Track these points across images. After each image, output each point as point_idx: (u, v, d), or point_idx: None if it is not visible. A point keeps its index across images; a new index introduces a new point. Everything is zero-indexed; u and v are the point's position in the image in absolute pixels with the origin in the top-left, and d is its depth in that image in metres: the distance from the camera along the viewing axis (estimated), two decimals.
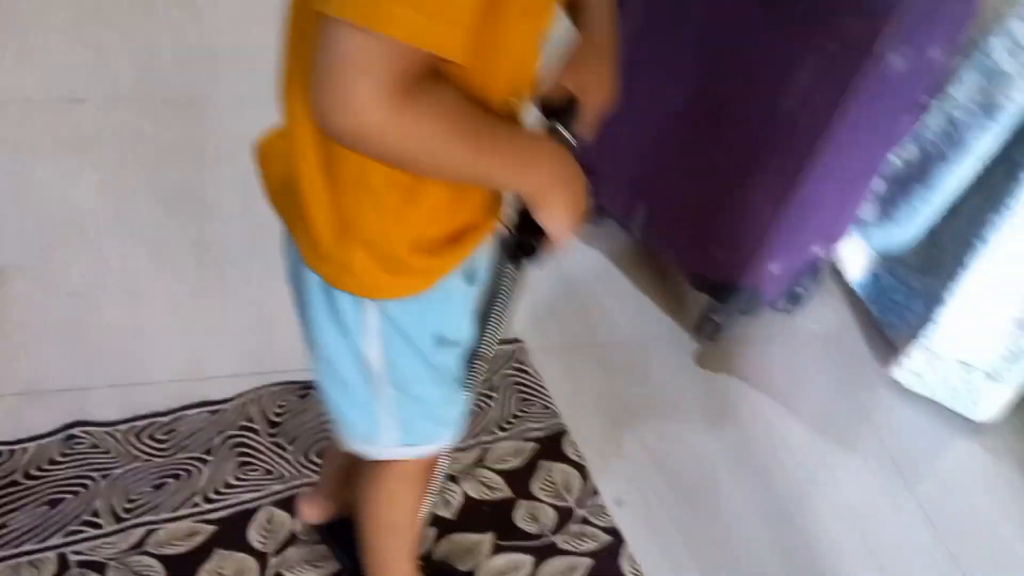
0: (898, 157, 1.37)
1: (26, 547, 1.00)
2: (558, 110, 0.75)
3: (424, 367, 0.74)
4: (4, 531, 1.00)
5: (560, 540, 1.12)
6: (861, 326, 1.51)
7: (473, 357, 0.79)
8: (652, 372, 1.36)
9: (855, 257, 1.50)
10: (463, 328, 0.76)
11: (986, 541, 1.27)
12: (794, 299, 1.46)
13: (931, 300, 1.33)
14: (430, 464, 0.87)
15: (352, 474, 1.00)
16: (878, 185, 1.39)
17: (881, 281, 1.47)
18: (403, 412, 0.77)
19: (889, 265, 1.46)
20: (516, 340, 1.34)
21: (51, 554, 1.00)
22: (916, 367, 1.36)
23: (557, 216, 0.67)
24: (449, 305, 0.73)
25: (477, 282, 0.76)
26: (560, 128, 0.75)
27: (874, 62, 1.09)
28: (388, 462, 0.84)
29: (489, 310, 0.77)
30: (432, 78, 0.54)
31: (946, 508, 1.29)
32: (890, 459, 1.33)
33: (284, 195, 0.69)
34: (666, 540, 1.15)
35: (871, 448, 1.34)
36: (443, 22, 0.50)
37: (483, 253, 0.75)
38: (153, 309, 1.27)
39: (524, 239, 0.70)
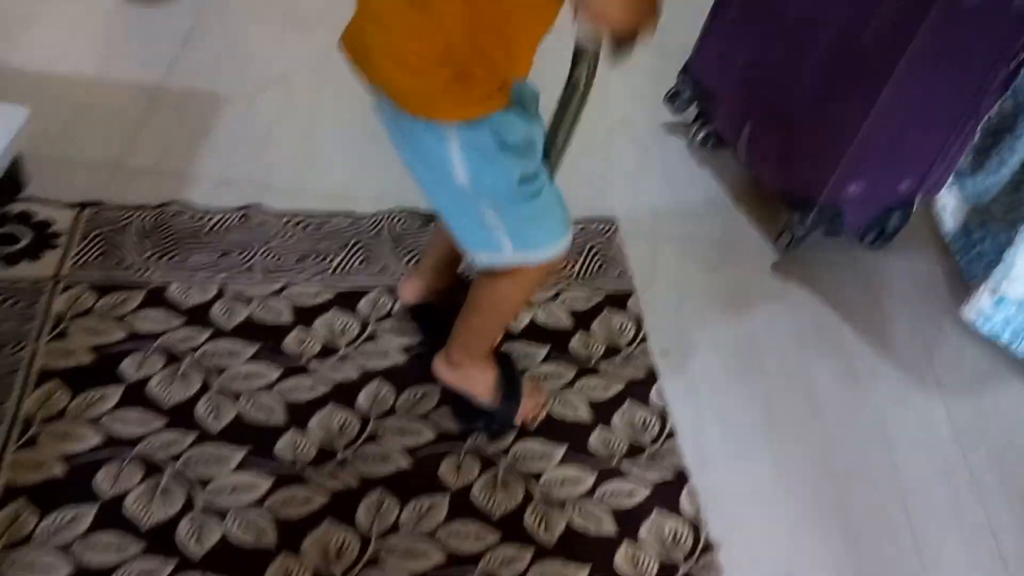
0: (998, 109, 1.45)
1: (198, 275, 1.33)
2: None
3: (507, 178, 0.94)
4: (186, 263, 1.34)
5: (602, 365, 1.33)
6: (944, 272, 1.58)
7: (547, 156, 0.99)
8: (727, 268, 1.52)
9: (949, 206, 1.59)
10: (533, 136, 0.96)
11: (1019, 480, 1.33)
12: (882, 235, 1.56)
13: (1003, 242, 1.41)
14: (546, 273, 1.07)
15: (445, 267, 1.27)
16: (975, 136, 1.47)
17: (971, 232, 1.54)
18: (507, 222, 0.97)
19: (980, 216, 1.53)
20: (610, 219, 1.55)
21: (214, 284, 1.33)
22: (983, 307, 1.44)
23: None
24: (514, 117, 0.92)
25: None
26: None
27: None
28: (512, 269, 1.03)
29: (559, 114, 0.97)
30: None
31: (985, 441, 1.35)
32: (936, 386, 1.41)
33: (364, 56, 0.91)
34: (697, 394, 1.32)
35: (921, 374, 1.43)
36: None
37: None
38: (326, 141, 1.59)
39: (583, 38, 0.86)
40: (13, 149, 1.35)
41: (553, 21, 0.88)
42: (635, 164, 1.69)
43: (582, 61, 0.93)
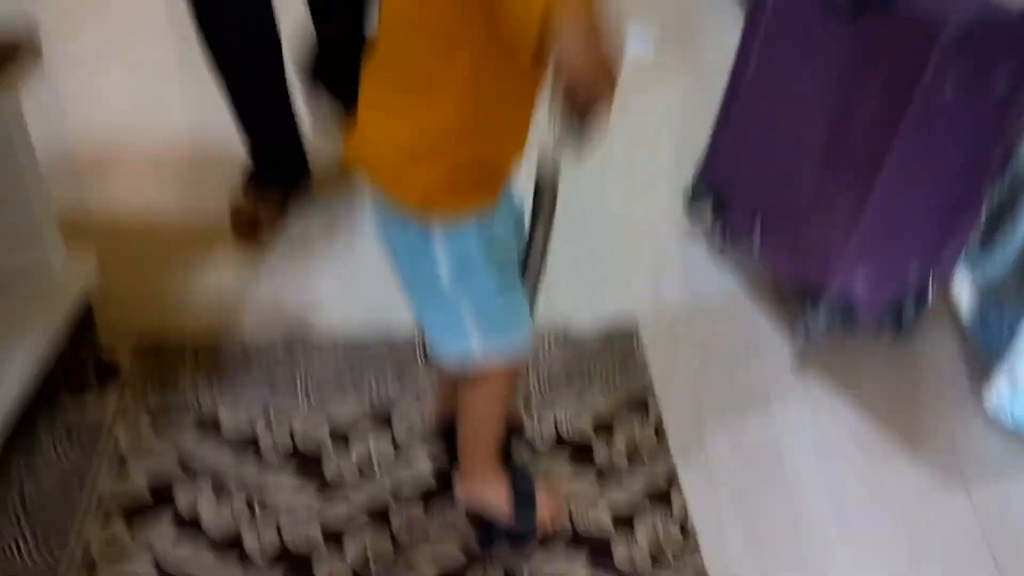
0: (999, 187, 1.48)
1: (245, 401, 1.44)
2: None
3: (485, 274, 1.00)
4: (234, 390, 1.46)
5: (624, 473, 1.38)
6: (966, 359, 1.60)
7: (524, 265, 1.06)
8: (747, 367, 1.57)
9: (965, 290, 1.61)
10: (510, 237, 1.04)
11: None
12: (899, 323, 1.59)
13: (1017, 323, 1.43)
14: (511, 378, 1.16)
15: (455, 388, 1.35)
16: (980, 218, 1.51)
17: (987, 315, 1.56)
18: (478, 316, 1.04)
19: (994, 298, 1.55)
20: (631, 321, 1.62)
21: (260, 409, 1.44)
22: (1002, 395, 1.46)
23: (569, 43, 0.75)
24: (496, 220, 0.99)
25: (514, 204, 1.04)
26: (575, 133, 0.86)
27: (925, 89, 1.27)
28: (480, 376, 1.10)
29: (533, 220, 1.02)
30: None
31: (1012, 535, 1.36)
32: (961, 479, 1.42)
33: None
34: (719, 497, 1.36)
35: (946, 467, 1.44)
36: None
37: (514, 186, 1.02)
38: (367, 271, 1.71)
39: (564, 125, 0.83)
40: (83, 292, 1.50)
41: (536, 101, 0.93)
42: (655, 266, 1.77)
43: (548, 166, 0.97)
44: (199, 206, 1.85)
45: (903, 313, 1.58)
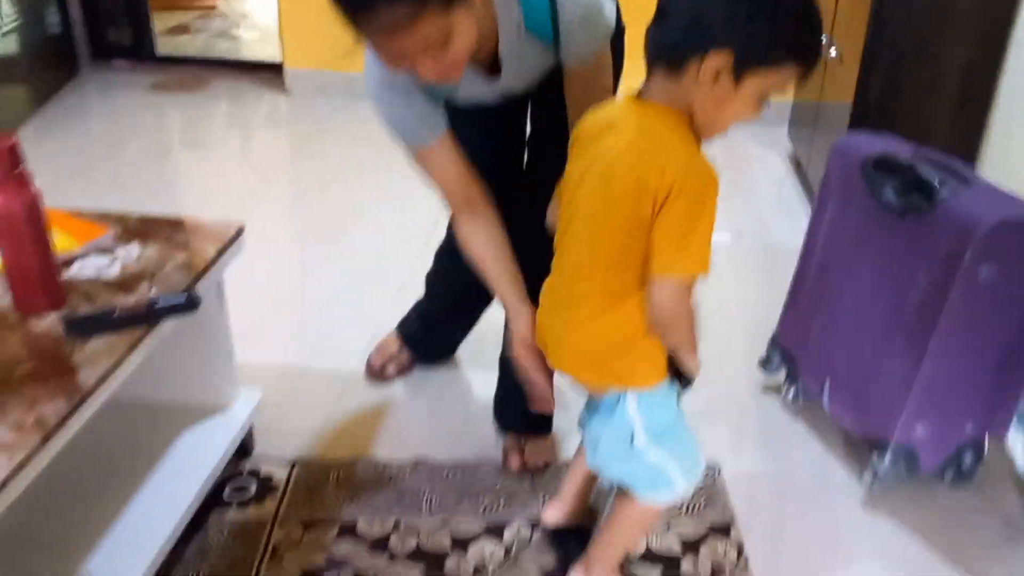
0: None
1: (380, 513, 1.70)
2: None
3: (678, 421, 1.34)
4: (370, 503, 1.72)
5: None
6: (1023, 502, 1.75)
7: None
8: (820, 505, 1.75)
9: (1019, 444, 1.78)
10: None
11: None
12: (960, 474, 1.76)
13: None
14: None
15: (581, 495, 1.58)
16: None
17: None
18: (681, 461, 1.34)
19: None
20: (714, 465, 1.84)
21: (391, 520, 1.68)
22: None
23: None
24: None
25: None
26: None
27: (963, 275, 1.53)
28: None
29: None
30: None
31: None
32: None
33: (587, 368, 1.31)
34: None
35: None
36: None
37: None
38: (481, 411, 1.99)
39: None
40: (249, 421, 1.81)
41: None
42: (736, 420, 2.00)
43: None
44: (343, 359, 2.18)
45: (962, 462, 1.76)
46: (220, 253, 1.59)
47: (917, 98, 2.51)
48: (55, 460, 1.59)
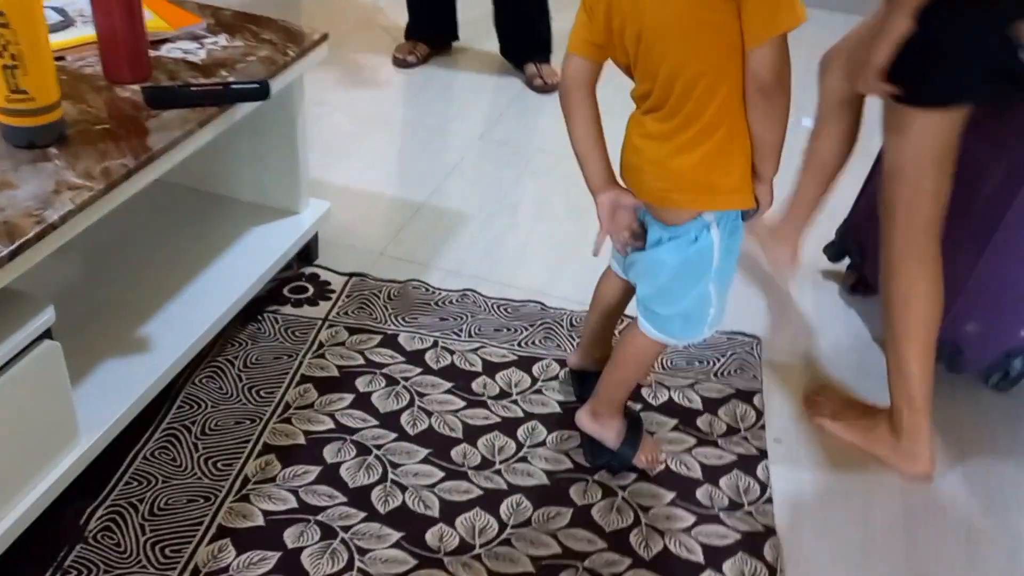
0: None
1: (422, 330, 1.78)
2: None
3: (733, 263, 1.34)
4: (414, 321, 1.80)
5: (720, 440, 1.59)
6: None
7: None
8: (856, 392, 1.75)
9: None
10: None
11: None
12: (1007, 378, 1.71)
13: None
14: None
15: (601, 340, 1.62)
16: None
17: None
18: (719, 301, 1.35)
19: None
20: (755, 336, 1.84)
21: (431, 338, 1.77)
22: None
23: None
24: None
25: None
26: None
27: None
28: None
29: None
30: None
31: None
32: None
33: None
34: (800, 481, 1.54)
35: None
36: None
37: None
38: (534, 253, 2.04)
39: None
40: (314, 229, 1.91)
41: None
42: (788, 298, 1.98)
43: None
44: (410, 188, 2.25)
45: (1010, 367, 1.71)
46: (301, 54, 1.64)
47: None
48: (128, 234, 1.73)
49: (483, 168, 2.40)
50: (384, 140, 2.50)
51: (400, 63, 2.81)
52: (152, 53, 1.53)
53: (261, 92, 1.47)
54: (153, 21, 1.59)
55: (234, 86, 1.46)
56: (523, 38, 2.75)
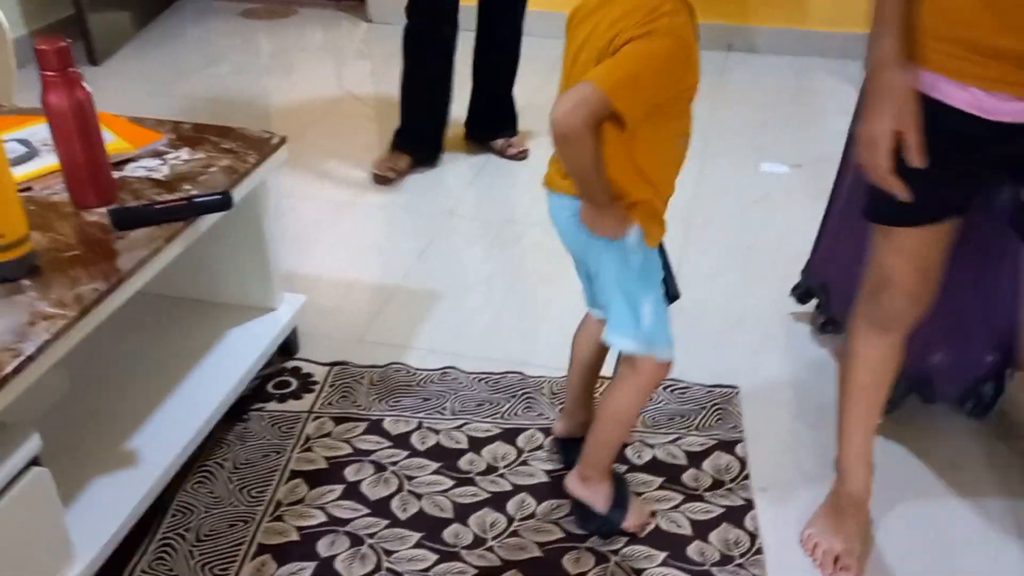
0: None
1: (405, 413, 1.81)
2: None
3: (656, 281, 1.37)
4: (398, 405, 1.83)
5: (706, 494, 1.62)
6: None
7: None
8: (830, 427, 1.77)
9: None
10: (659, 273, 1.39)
11: None
12: (979, 405, 1.75)
13: None
14: (653, 384, 1.47)
15: (582, 405, 1.65)
16: None
17: None
18: (655, 306, 1.37)
19: None
20: (732, 385, 1.88)
21: (415, 420, 1.79)
22: None
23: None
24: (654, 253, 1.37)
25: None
26: None
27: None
28: (635, 369, 1.42)
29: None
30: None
31: None
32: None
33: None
34: (789, 528, 1.56)
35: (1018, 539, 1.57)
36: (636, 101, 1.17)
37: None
38: (510, 325, 2.07)
39: None
40: (292, 324, 1.94)
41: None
42: (761, 344, 2.02)
43: None
44: (384, 270, 2.29)
45: (982, 393, 1.74)
46: (260, 160, 1.69)
47: None
48: (107, 347, 1.76)
49: (454, 244, 2.45)
50: (354, 224, 2.56)
51: (381, 180, 2.72)
52: (116, 174, 1.58)
53: (224, 203, 1.52)
54: (114, 143, 1.65)
55: (197, 200, 1.50)
56: (495, 116, 2.87)
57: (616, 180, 1.26)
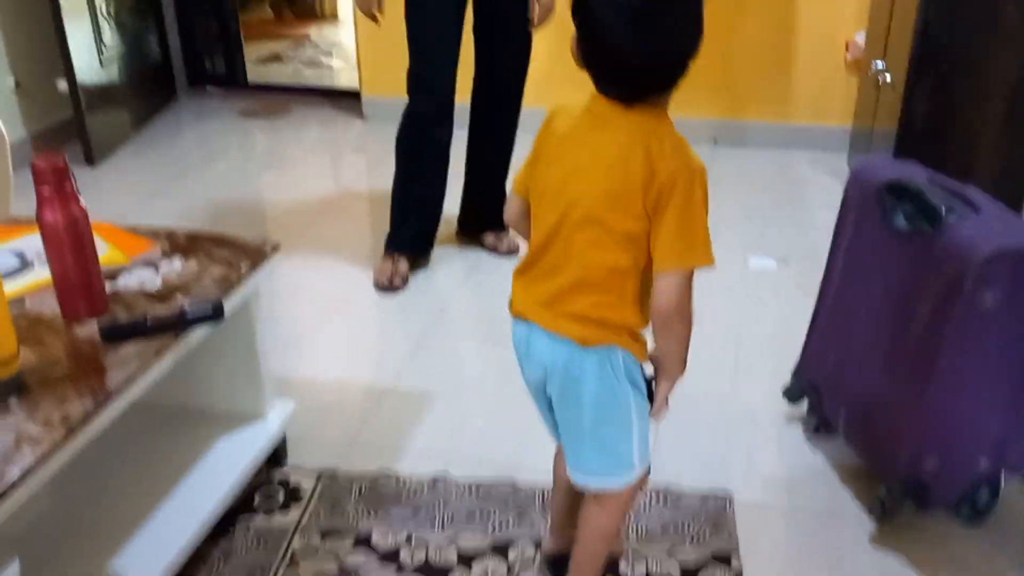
0: None
1: (395, 526, 1.78)
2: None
3: (643, 399, 1.36)
4: (387, 516, 1.80)
5: None
6: None
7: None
8: (828, 536, 1.75)
9: None
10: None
11: None
12: (975, 509, 1.73)
13: None
14: (632, 499, 1.46)
15: (568, 520, 1.63)
16: None
17: None
18: (640, 431, 1.36)
19: None
20: (725, 492, 1.85)
21: (404, 533, 1.76)
22: None
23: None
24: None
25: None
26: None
27: (965, 300, 1.52)
28: (611, 496, 1.40)
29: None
30: None
31: None
32: None
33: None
34: None
35: None
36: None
37: None
38: (504, 427, 2.06)
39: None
40: (282, 431, 1.93)
41: None
42: (754, 449, 2.00)
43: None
44: (375, 372, 2.29)
45: (977, 498, 1.72)
46: (252, 269, 1.70)
47: (964, 119, 2.48)
48: (93, 460, 1.74)
49: (446, 343, 2.45)
50: (347, 324, 2.56)
51: (387, 289, 2.70)
52: (109, 284, 1.59)
53: (215, 315, 1.52)
54: (108, 255, 1.66)
55: (188, 313, 1.51)
56: (486, 211, 2.90)
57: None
